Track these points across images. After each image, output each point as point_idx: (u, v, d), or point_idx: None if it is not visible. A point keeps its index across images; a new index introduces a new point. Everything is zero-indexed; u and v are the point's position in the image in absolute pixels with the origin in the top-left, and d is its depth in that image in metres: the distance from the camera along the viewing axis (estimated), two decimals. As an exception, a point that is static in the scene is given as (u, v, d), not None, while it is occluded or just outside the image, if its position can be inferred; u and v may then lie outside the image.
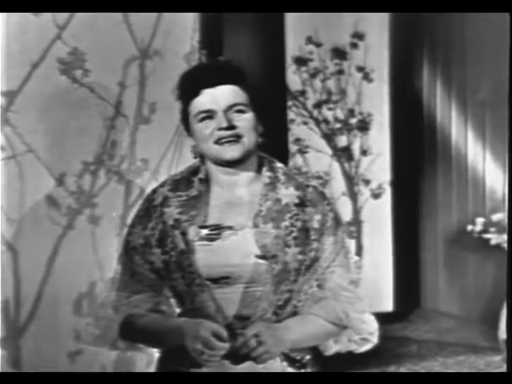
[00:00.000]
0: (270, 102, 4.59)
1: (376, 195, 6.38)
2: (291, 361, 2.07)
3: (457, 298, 6.27)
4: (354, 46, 6.20)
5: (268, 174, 2.12)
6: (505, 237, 5.10)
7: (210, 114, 2.07)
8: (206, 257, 2.05)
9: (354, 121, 6.29)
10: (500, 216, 5.28)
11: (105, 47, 3.47)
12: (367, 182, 6.36)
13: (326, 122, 6.24)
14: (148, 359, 3.34)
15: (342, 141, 6.30)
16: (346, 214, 6.31)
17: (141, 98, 3.58)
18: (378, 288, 6.33)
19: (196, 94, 2.07)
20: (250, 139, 2.08)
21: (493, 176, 5.92)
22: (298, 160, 6.15)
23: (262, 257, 2.03)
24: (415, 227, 6.54)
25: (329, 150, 6.26)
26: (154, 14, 3.53)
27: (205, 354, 1.95)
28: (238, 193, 2.11)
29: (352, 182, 6.33)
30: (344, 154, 6.30)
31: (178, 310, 2.13)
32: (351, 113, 6.27)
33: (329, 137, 6.25)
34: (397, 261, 6.42)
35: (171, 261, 2.07)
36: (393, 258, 6.42)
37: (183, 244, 2.06)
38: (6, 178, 3.34)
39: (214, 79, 2.07)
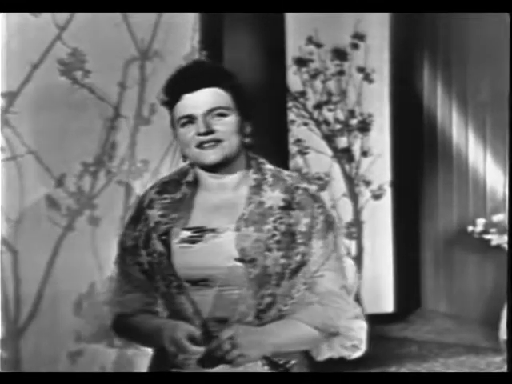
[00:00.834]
0: (270, 103, 4.59)
1: (376, 196, 6.38)
2: (274, 365, 2.03)
3: (457, 299, 6.27)
4: (355, 46, 6.20)
5: (254, 176, 2.10)
6: (505, 238, 5.10)
7: (189, 120, 2.06)
8: (186, 259, 2.05)
9: (354, 122, 6.29)
10: (500, 217, 5.28)
11: (105, 48, 3.47)
12: (368, 183, 6.35)
13: (327, 122, 6.23)
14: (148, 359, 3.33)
15: (343, 142, 6.30)
16: (347, 214, 6.31)
17: (141, 99, 3.59)
18: (379, 288, 6.33)
19: (177, 99, 2.07)
20: (230, 143, 2.06)
21: (493, 177, 5.92)
22: (298, 161, 6.15)
23: (240, 260, 2.01)
24: (416, 228, 6.54)
25: (329, 151, 6.26)
26: (153, 15, 3.53)
27: (178, 357, 1.97)
28: (225, 196, 2.10)
29: (352, 183, 6.33)
30: (344, 155, 6.30)
31: (165, 312, 2.14)
32: (352, 114, 6.27)
33: (329, 138, 6.25)
34: (397, 262, 6.42)
35: (153, 262, 2.08)
36: (393, 258, 6.41)
37: (161, 246, 2.07)
38: (6, 179, 3.34)
39: (194, 83, 2.06)
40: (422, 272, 6.55)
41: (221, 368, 1.99)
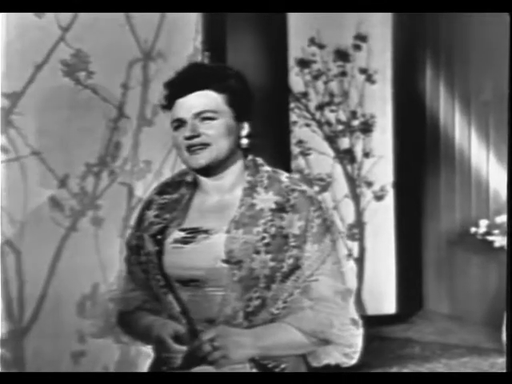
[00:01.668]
0: (272, 104, 4.60)
1: (379, 197, 6.38)
2: (262, 368, 2.03)
3: (460, 300, 6.27)
4: (357, 47, 6.20)
5: (248, 178, 2.10)
6: (508, 238, 5.10)
7: (180, 123, 2.08)
8: (177, 259, 2.06)
9: (356, 123, 6.29)
10: (504, 218, 5.27)
11: (108, 49, 3.47)
12: (370, 184, 6.36)
13: (329, 123, 6.24)
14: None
15: (345, 143, 6.30)
16: (349, 216, 6.31)
17: (144, 100, 3.59)
18: (381, 290, 6.33)
19: (173, 103, 2.09)
20: (219, 146, 2.06)
21: (496, 178, 5.92)
22: (300, 162, 6.15)
23: (226, 261, 2.01)
24: (418, 229, 6.54)
25: (331, 152, 6.27)
26: (156, 15, 3.53)
27: (163, 355, 2.00)
28: (221, 197, 2.11)
29: (354, 184, 6.33)
30: (346, 156, 6.30)
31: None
32: (354, 115, 6.28)
33: (331, 139, 6.26)
34: (400, 263, 6.42)
35: (147, 261, 2.11)
36: (395, 259, 6.41)
37: (151, 245, 2.09)
38: (10, 180, 3.35)
39: (186, 87, 2.07)
40: (424, 273, 6.55)
41: (221, 368, 2.00)
